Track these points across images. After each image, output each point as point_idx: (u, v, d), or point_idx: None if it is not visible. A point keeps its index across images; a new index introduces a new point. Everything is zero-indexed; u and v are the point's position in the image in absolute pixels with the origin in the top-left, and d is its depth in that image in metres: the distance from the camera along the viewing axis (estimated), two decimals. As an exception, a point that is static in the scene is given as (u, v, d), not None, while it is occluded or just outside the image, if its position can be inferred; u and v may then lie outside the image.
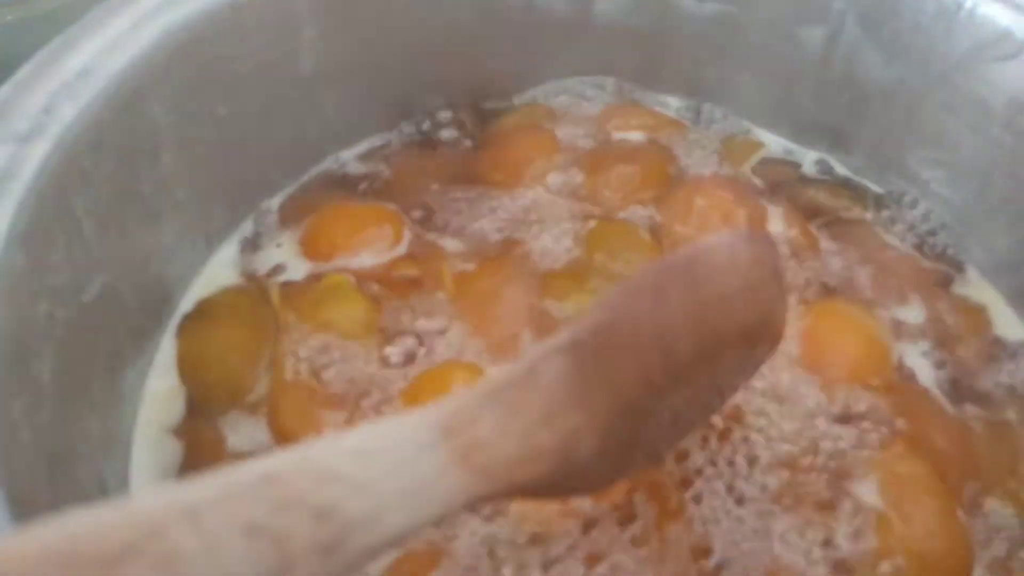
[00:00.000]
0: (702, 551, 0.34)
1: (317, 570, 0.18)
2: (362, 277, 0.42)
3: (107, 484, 0.34)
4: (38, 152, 0.31)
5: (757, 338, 0.29)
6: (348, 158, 0.48)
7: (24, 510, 0.25)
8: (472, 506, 0.22)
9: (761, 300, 0.28)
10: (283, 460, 0.19)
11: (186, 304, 0.41)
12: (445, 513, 0.21)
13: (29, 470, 0.27)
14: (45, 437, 0.29)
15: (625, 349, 0.25)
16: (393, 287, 0.41)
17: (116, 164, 0.35)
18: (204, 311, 0.41)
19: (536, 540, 0.33)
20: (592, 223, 0.44)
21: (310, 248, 0.43)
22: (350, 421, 0.37)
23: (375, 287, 0.41)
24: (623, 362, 0.25)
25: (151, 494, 0.18)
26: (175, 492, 0.18)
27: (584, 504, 0.34)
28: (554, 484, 0.24)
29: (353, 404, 0.37)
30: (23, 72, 0.33)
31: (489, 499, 0.23)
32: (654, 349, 0.25)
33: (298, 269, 0.43)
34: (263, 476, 0.19)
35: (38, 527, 0.16)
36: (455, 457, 0.21)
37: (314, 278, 0.42)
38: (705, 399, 0.30)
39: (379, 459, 0.20)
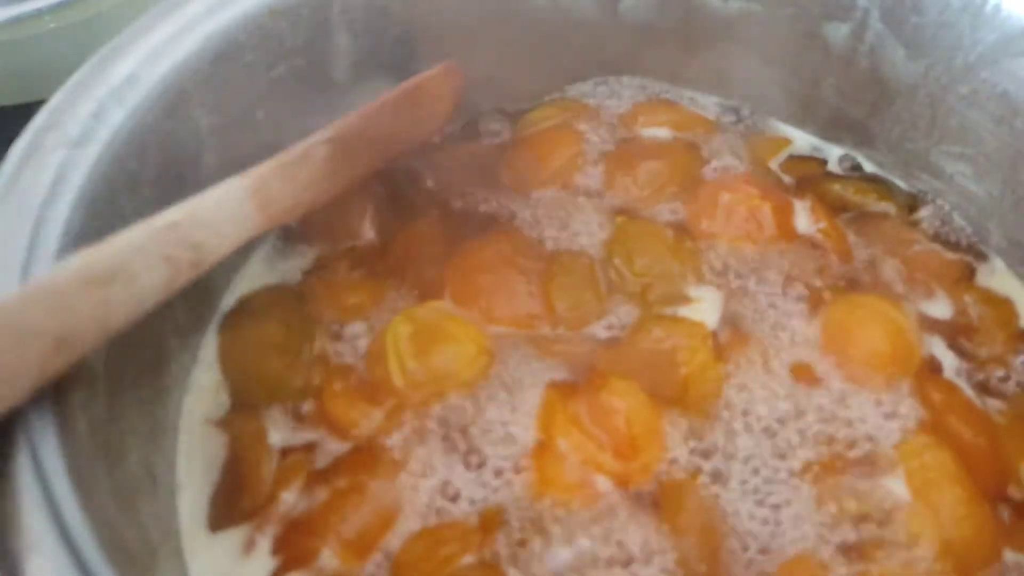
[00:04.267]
0: (725, 534, 0.34)
1: (191, 277, 0.31)
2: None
3: (156, 473, 0.35)
4: (89, 156, 0.33)
5: (437, 128, 0.45)
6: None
7: (88, 495, 0.27)
8: (259, 234, 0.35)
9: (445, 110, 0.44)
10: (178, 212, 0.31)
11: (228, 301, 0.42)
12: (250, 239, 0.34)
13: (88, 460, 0.29)
14: (100, 428, 0.30)
15: (366, 144, 0.38)
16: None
17: (161, 167, 0.36)
18: (245, 308, 0.42)
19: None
20: (619, 219, 0.45)
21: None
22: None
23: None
24: (362, 152, 0.38)
25: (117, 238, 0.29)
26: (129, 234, 0.29)
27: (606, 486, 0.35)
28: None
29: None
30: (74, 79, 0.34)
31: (269, 230, 0.36)
32: (382, 144, 0.40)
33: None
34: (171, 223, 0.30)
35: (59, 264, 0.28)
36: (256, 207, 0.34)
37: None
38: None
39: (222, 210, 0.33)
